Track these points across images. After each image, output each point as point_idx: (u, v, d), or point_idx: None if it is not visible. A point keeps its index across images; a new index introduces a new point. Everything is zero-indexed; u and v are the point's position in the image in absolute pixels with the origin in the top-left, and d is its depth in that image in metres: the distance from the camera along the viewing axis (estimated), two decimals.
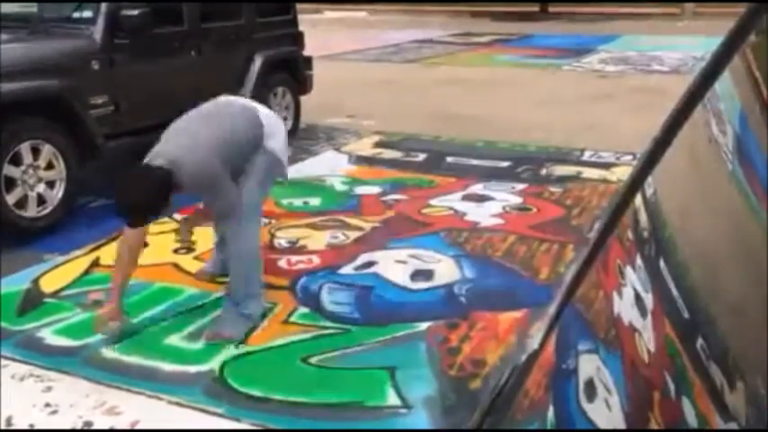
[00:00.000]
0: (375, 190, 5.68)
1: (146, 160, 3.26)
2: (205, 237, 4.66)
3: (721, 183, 0.77)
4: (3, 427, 2.73)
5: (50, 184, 4.76)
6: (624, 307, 0.81)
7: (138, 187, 3.17)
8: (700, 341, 0.62)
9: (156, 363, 3.19)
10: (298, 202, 5.40)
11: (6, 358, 3.20)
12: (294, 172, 6.23)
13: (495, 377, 1.04)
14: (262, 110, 3.69)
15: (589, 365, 0.79)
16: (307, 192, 5.65)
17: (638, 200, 0.93)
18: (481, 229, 4.80)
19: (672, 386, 0.62)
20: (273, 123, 3.66)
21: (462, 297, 3.81)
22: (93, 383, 3.01)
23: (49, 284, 3.96)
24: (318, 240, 4.59)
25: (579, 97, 9.59)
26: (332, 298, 3.80)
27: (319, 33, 11.27)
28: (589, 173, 6.16)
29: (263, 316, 3.55)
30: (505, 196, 5.50)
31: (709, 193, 0.80)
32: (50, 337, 3.42)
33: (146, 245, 4.53)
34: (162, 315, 3.61)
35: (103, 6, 5.17)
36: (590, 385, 0.75)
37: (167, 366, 3.17)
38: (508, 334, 3.40)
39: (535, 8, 24.63)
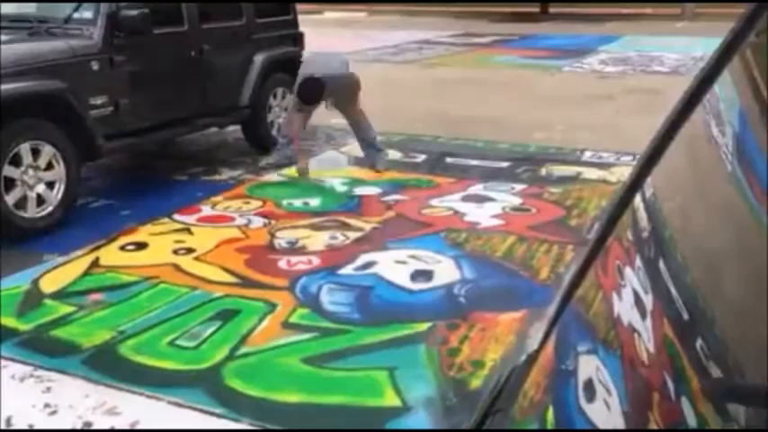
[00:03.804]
0: (375, 190, 5.68)
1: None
2: (205, 238, 4.67)
3: (721, 183, 0.77)
4: (2, 427, 2.73)
5: (50, 185, 4.76)
6: (624, 307, 0.81)
7: None
8: (699, 341, 0.62)
9: (156, 363, 3.19)
10: (298, 202, 5.40)
11: (6, 358, 3.20)
12: (294, 172, 6.25)
13: (494, 377, 1.04)
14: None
15: (588, 366, 0.79)
16: (307, 192, 5.65)
17: (638, 200, 0.93)
18: (481, 229, 4.80)
19: (671, 386, 0.62)
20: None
21: (462, 297, 3.81)
22: (93, 384, 3.01)
23: (48, 284, 3.96)
24: (318, 241, 4.59)
25: (579, 98, 9.59)
26: (332, 298, 3.80)
27: (319, 34, 11.27)
28: (589, 173, 6.16)
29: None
30: (505, 197, 5.50)
31: (709, 193, 0.80)
32: (50, 337, 3.42)
33: (146, 245, 4.55)
34: (162, 315, 3.61)
35: (103, 7, 5.17)
36: (589, 386, 0.75)
37: (167, 366, 3.17)
38: (508, 334, 3.40)
39: (535, 9, 24.64)
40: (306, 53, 6.81)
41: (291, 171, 6.32)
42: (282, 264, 4.25)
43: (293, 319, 3.58)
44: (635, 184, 0.94)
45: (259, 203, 5.36)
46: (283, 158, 6.36)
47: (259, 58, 6.60)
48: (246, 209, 5.24)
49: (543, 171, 6.23)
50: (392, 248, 4.47)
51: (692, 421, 0.57)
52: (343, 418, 2.82)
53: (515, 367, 0.92)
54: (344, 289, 3.90)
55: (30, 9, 5.65)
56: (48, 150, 4.71)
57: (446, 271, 4.12)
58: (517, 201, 5.42)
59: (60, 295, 3.84)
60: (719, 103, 0.89)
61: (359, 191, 5.69)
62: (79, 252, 4.41)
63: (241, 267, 4.19)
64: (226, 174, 6.23)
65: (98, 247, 4.48)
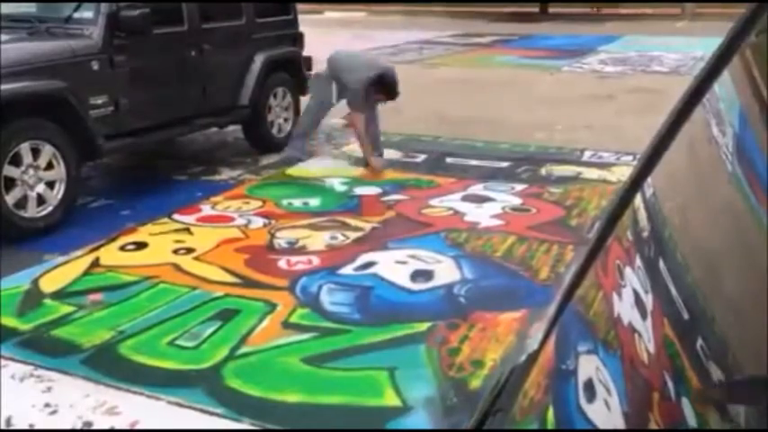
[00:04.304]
0: (375, 190, 5.68)
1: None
2: (205, 237, 4.67)
3: (721, 183, 0.77)
4: (3, 427, 2.73)
5: (50, 185, 4.76)
6: (624, 307, 0.81)
7: None
8: (699, 341, 0.62)
9: (156, 363, 3.19)
10: (297, 202, 5.40)
11: (6, 358, 3.20)
12: (294, 172, 6.26)
13: (494, 377, 1.04)
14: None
15: (589, 366, 0.79)
16: (307, 192, 5.65)
17: (638, 200, 0.93)
18: (481, 229, 4.80)
19: (671, 387, 0.62)
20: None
21: (462, 297, 3.81)
22: (93, 383, 3.01)
23: (48, 284, 3.96)
24: (318, 241, 4.59)
25: (579, 98, 9.59)
26: (332, 298, 3.80)
27: (319, 34, 11.27)
28: (589, 173, 6.16)
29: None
30: (505, 197, 5.50)
31: (709, 193, 0.80)
32: (50, 337, 3.42)
33: (145, 245, 4.55)
34: (162, 315, 3.61)
35: (103, 6, 5.17)
36: (589, 386, 0.75)
37: (167, 366, 3.17)
38: (508, 334, 3.40)
39: (535, 9, 24.64)
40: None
41: (291, 171, 6.33)
42: (282, 264, 4.25)
43: (293, 319, 3.58)
44: (635, 184, 0.94)
45: (259, 203, 5.36)
46: (295, 153, 6.55)
47: (259, 58, 6.60)
48: (246, 209, 5.24)
49: (543, 171, 6.23)
50: (392, 248, 4.47)
51: (692, 421, 0.57)
52: (343, 418, 2.82)
53: (515, 367, 0.92)
54: (344, 289, 3.90)
55: (30, 9, 5.65)
56: (48, 150, 4.71)
57: (446, 271, 4.12)
58: (517, 201, 5.42)
59: (60, 295, 3.84)
60: (719, 103, 0.89)
61: (359, 191, 5.69)
62: (79, 252, 4.41)
63: (241, 267, 4.19)
64: (226, 174, 6.23)
65: (98, 247, 4.48)
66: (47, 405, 2.87)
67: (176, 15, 5.86)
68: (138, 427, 2.74)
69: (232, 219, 5.04)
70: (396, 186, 5.77)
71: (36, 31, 5.21)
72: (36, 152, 4.66)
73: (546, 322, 0.93)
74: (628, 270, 0.86)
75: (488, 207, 5.25)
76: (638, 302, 0.77)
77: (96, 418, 2.79)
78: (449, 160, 6.66)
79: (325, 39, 13.04)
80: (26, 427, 2.75)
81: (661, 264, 0.78)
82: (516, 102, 9.42)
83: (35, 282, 3.99)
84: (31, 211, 4.64)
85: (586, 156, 6.75)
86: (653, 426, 0.63)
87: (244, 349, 3.30)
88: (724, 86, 0.89)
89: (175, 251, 4.44)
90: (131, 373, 3.11)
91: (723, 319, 0.63)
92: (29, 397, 2.93)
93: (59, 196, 4.80)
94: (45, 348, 3.32)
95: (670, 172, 0.92)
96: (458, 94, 9.93)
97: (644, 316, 0.74)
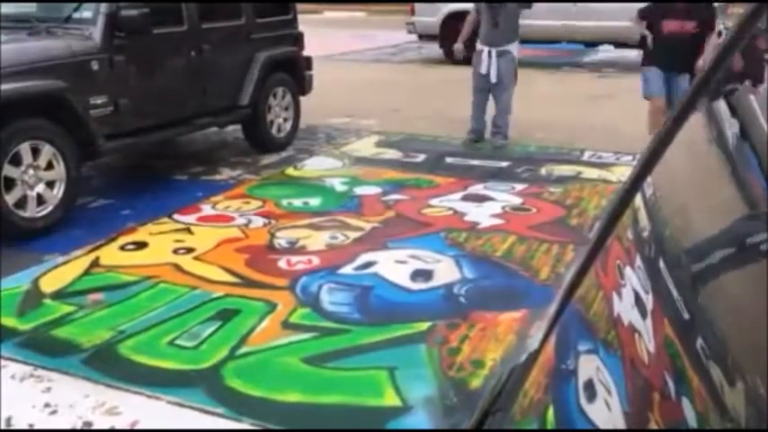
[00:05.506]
0: (375, 190, 5.68)
1: None
2: (205, 237, 4.67)
3: (721, 183, 0.77)
4: (3, 427, 2.73)
5: (50, 185, 4.76)
6: (624, 307, 0.81)
7: None
8: (699, 341, 0.62)
9: (156, 363, 3.19)
10: (297, 202, 5.40)
11: (6, 358, 3.20)
12: (294, 172, 6.26)
13: (495, 377, 1.04)
14: None
15: (589, 366, 0.79)
16: (307, 192, 5.65)
17: (638, 200, 0.93)
18: (481, 229, 4.80)
19: (672, 386, 0.62)
20: None
21: (462, 297, 3.81)
22: (93, 383, 3.01)
23: (48, 285, 3.96)
24: (318, 241, 4.59)
25: (579, 97, 9.59)
26: (332, 298, 3.80)
27: (319, 34, 11.27)
28: (589, 173, 6.16)
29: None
30: (505, 196, 5.50)
31: (710, 193, 0.80)
32: (50, 337, 3.42)
33: (146, 245, 4.55)
34: (162, 315, 3.61)
35: (103, 6, 5.17)
36: (590, 386, 0.75)
37: (167, 366, 3.17)
38: (508, 334, 3.40)
39: None
40: None
41: (291, 170, 6.33)
42: (282, 263, 4.25)
43: (293, 319, 3.58)
44: (635, 183, 0.94)
45: (259, 203, 5.36)
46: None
47: (259, 58, 6.60)
48: (246, 209, 5.24)
49: (543, 171, 6.23)
50: (392, 248, 4.47)
51: (692, 421, 0.57)
52: (343, 418, 2.82)
53: (515, 367, 0.92)
54: (344, 289, 3.90)
55: (30, 9, 5.65)
56: (48, 150, 4.71)
57: (446, 271, 4.12)
58: (517, 200, 5.43)
59: (60, 295, 3.84)
60: (719, 102, 0.89)
61: (359, 191, 5.69)
62: (79, 252, 4.41)
63: (241, 267, 4.19)
64: (226, 174, 6.23)
65: (98, 247, 4.48)
66: (47, 405, 2.87)
67: (176, 15, 5.86)
68: (138, 427, 2.74)
69: (232, 218, 5.04)
70: (396, 186, 5.77)
71: (36, 31, 5.20)
72: (36, 152, 4.65)
73: (546, 322, 0.93)
74: (628, 270, 0.86)
75: (488, 207, 5.26)
76: (639, 302, 0.77)
77: (96, 418, 2.79)
78: (449, 160, 6.66)
79: (324, 39, 13.05)
80: (26, 427, 2.75)
81: (661, 264, 0.78)
82: (516, 101, 9.41)
83: (35, 282, 3.99)
84: (31, 211, 4.64)
85: (586, 155, 6.75)
86: (653, 426, 0.63)
87: (244, 349, 3.30)
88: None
89: (175, 251, 4.44)
90: (131, 373, 3.11)
91: (723, 318, 0.63)
92: (29, 397, 2.93)
93: (59, 196, 4.80)
94: (45, 348, 3.32)
95: (670, 171, 0.92)
96: (458, 94, 9.90)
97: (644, 316, 0.74)
